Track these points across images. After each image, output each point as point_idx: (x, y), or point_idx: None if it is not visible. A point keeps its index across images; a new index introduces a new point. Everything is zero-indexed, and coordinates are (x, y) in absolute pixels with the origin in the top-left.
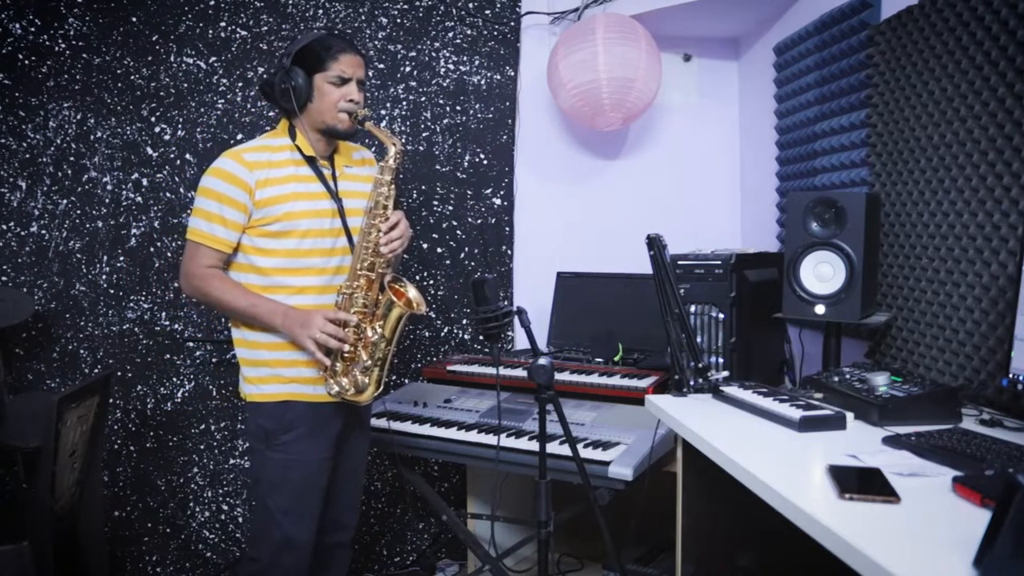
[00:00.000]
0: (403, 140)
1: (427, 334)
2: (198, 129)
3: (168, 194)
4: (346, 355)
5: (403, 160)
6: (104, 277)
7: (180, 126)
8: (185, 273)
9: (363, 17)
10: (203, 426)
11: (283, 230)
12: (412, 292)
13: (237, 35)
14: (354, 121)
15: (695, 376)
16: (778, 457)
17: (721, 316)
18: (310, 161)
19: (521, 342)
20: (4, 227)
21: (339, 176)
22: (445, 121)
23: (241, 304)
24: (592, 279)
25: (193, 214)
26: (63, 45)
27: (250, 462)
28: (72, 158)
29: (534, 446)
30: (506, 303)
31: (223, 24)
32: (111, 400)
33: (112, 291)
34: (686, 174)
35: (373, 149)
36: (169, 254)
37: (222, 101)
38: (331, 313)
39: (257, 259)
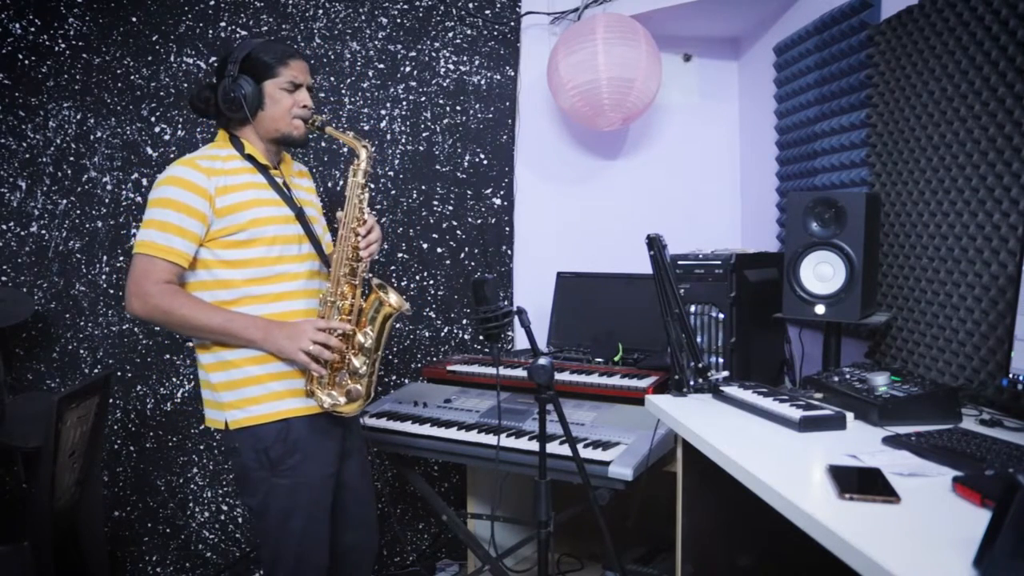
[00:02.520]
0: (406, 141)
1: (427, 334)
2: (198, 129)
3: None
4: (335, 364)
5: (373, 162)
6: (104, 277)
7: (180, 126)
8: (138, 292)
9: (363, 17)
10: (203, 426)
11: (250, 238)
12: (394, 296)
13: (237, 35)
14: (310, 127)
15: (695, 376)
16: (778, 457)
17: (721, 316)
18: (263, 170)
19: (521, 342)
20: (4, 227)
21: (290, 185)
22: (445, 121)
23: (216, 321)
24: (592, 279)
25: (145, 226)
26: (63, 45)
27: (247, 495)
28: (72, 158)
29: (534, 446)
30: (506, 303)
31: (223, 24)
32: (111, 400)
33: (112, 291)
34: (686, 174)
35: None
36: None
37: None
38: (320, 321)
39: (224, 272)
